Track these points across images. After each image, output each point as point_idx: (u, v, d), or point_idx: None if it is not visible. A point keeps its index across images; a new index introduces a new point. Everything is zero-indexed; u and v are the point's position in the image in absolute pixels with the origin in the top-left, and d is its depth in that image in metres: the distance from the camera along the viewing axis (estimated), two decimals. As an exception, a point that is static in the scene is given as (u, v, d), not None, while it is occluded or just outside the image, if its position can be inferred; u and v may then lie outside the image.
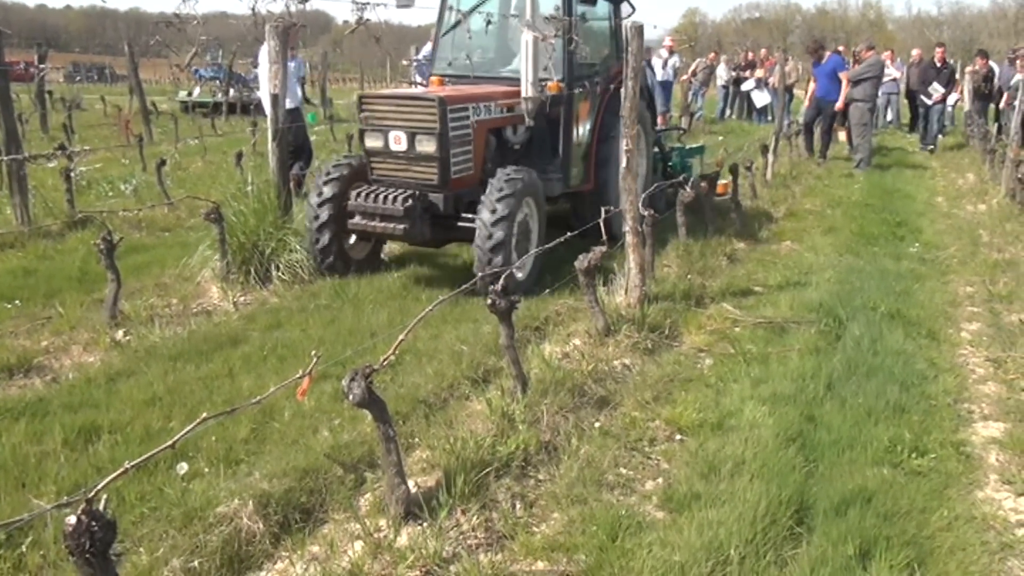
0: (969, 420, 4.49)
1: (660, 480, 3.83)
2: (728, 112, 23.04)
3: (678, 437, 4.23)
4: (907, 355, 5.20)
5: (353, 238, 7.11)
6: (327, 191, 6.73)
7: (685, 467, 3.87)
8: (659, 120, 11.36)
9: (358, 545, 3.23)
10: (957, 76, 18.02)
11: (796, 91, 20.20)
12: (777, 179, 12.00)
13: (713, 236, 8.10)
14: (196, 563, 3.01)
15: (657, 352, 5.31)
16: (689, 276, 6.76)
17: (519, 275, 6.35)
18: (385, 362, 3.30)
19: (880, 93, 15.97)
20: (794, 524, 3.38)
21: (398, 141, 6.47)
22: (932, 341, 5.58)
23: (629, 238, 5.81)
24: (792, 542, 3.28)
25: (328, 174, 6.84)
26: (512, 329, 4.31)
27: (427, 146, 6.38)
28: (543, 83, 7.09)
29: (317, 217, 6.73)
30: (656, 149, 9.45)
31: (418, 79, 12.48)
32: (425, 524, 3.31)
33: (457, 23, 7.08)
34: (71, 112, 18.66)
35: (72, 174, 9.05)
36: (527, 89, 6.86)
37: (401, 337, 3.37)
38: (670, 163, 9.85)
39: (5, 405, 4.38)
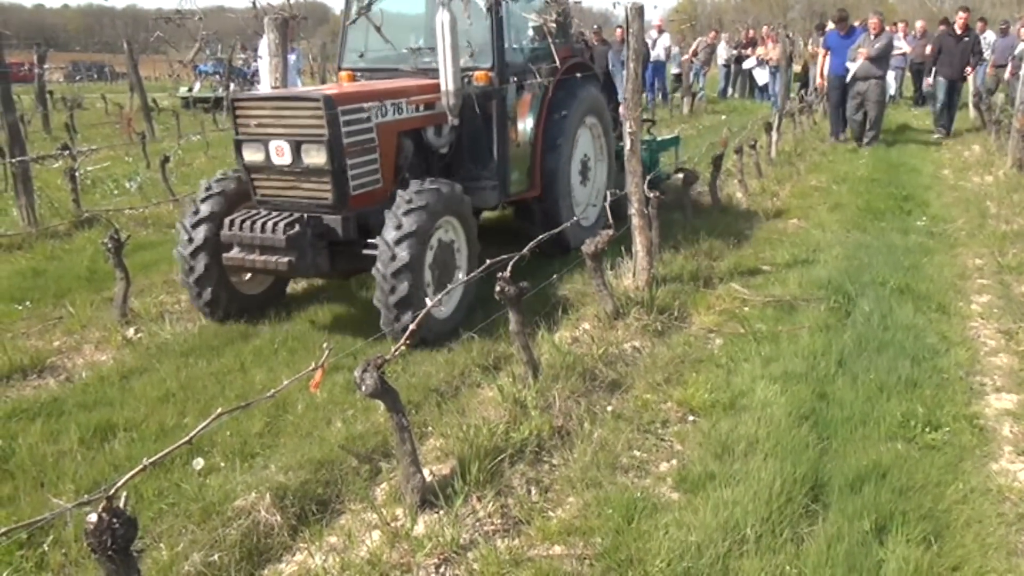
0: (982, 393, 4.48)
1: (674, 461, 3.83)
2: (730, 91, 22.92)
3: (690, 418, 4.24)
4: (918, 329, 5.18)
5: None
6: (205, 209, 5.48)
7: (698, 448, 3.87)
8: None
9: (375, 535, 3.25)
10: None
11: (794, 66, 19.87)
12: (781, 156, 11.95)
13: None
14: (216, 557, 3.04)
15: (667, 334, 5.30)
16: (696, 257, 6.74)
17: (440, 312, 5.22)
18: (397, 352, 3.31)
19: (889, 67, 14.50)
20: (809, 501, 3.39)
21: (280, 153, 5.21)
22: (942, 315, 5.56)
23: (635, 220, 5.80)
24: (808, 519, 3.29)
25: (208, 189, 5.61)
26: (522, 315, 4.32)
27: (315, 157, 5.14)
28: (468, 74, 6.16)
29: (191, 240, 5.42)
30: (619, 145, 8.33)
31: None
32: (441, 512, 3.33)
33: (369, 4, 5.89)
34: (72, 111, 18.69)
35: (76, 174, 9.07)
36: (447, 82, 5.67)
37: (412, 327, 3.38)
38: None
39: (20, 406, 4.41)
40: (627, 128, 5.68)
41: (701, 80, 21.49)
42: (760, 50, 20.77)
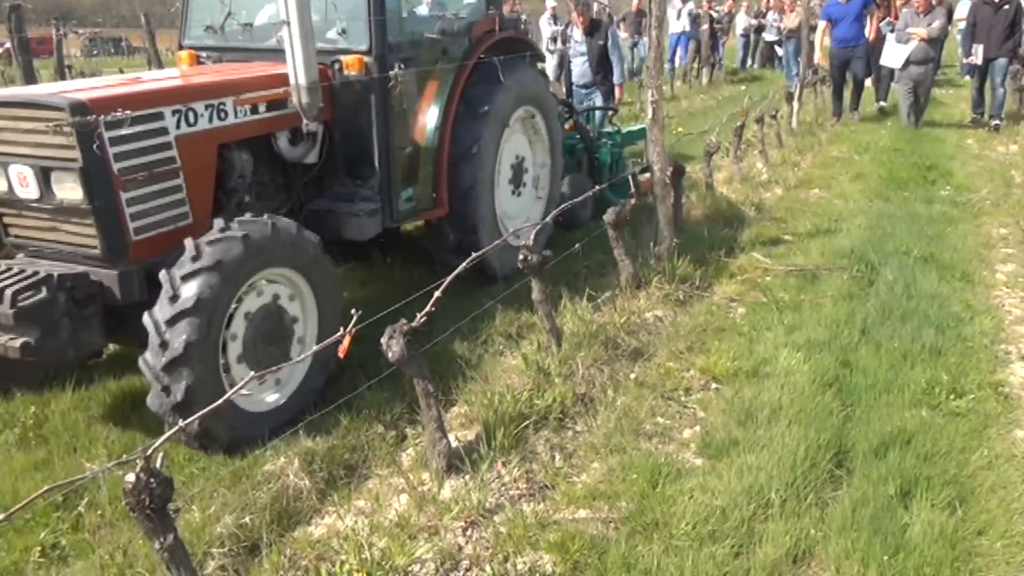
0: (1006, 361, 4.46)
1: (697, 428, 3.85)
2: (749, 62, 22.65)
3: (713, 386, 4.25)
4: (942, 298, 5.16)
5: None
6: None
7: (722, 415, 3.89)
8: (618, 93, 8.97)
9: (403, 498, 3.30)
10: None
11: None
12: (802, 127, 11.83)
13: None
14: (247, 519, 3.09)
15: (688, 303, 5.30)
16: (717, 226, 6.72)
17: (267, 400, 3.88)
18: (423, 318, 3.33)
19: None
20: (834, 467, 3.40)
21: (24, 182, 3.72)
22: (967, 284, 5.52)
23: (657, 190, 5.78)
24: (832, 484, 3.31)
25: None
26: (545, 284, 4.33)
27: (69, 191, 3.64)
28: (336, 59, 4.62)
29: None
30: (574, 141, 7.39)
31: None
32: (467, 476, 3.37)
33: None
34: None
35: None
36: (297, 72, 4.08)
37: (437, 294, 3.40)
38: (597, 155, 7.56)
39: (50, 374, 4.47)
40: (650, 96, 5.64)
41: (719, 51, 21.23)
42: (772, 15, 20.34)
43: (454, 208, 5.26)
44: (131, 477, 2.19)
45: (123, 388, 4.26)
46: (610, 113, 8.56)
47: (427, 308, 3.37)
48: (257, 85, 4.30)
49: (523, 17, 14.58)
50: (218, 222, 3.68)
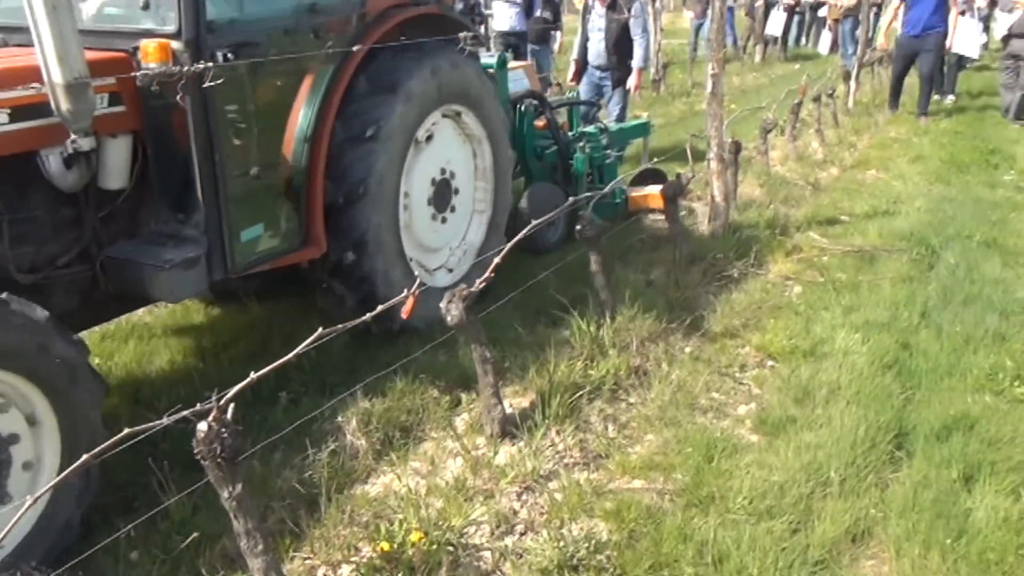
0: (1073, 349, 4.34)
1: (753, 405, 3.82)
2: (803, 40, 22.17)
3: (769, 363, 4.21)
4: (1006, 284, 5.03)
5: None
6: None
7: (778, 392, 3.85)
8: (635, 79, 7.98)
9: (458, 462, 3.32)
10: None
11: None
12: (859, 107, 11.57)
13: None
14: (307, 475, 3.14)
15: (743, 280, 5.24)
16: (772, 205, 6.62)
17: None
18: (482, 284, 3.33)
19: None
20: (894, 448, 3.35)
21: None
22: (1032, 271, 5.38)
23: (713, 165, 5.70)
24: (892, 466, 3.27)
25: None
26: (601, 255, 4.31)
27: None
28: (136, 45, 3.19)
29: None
30: (546, 142, 5.94)
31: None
32: (521, 443, 3.38)
33: None
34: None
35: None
36: (49, 62, 2.77)
37: (496, 260, 3.40)
38: (572, 160, 6.00)
39: (111, 329, 4.56)
40: (710, 69, 5.55)
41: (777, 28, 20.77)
42: None
43: (340, 260, 3.99)
44: (203, 426, 2.22)
45: (181, 344, 4.34)
46: (592, 110, 7.15)
47: (485, 275, 3.37)
48: (4, 81, 2.93)
49: None
50: None
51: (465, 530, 2.90)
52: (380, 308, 2.84)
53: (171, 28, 3.22)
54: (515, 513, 3.03)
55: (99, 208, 3.38)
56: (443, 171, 4.55)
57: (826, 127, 9.53)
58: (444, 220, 4.62)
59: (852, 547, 2.84)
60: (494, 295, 4.70)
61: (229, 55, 3.33)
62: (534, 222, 3.71)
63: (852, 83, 11.69)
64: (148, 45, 3.14)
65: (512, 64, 5.92)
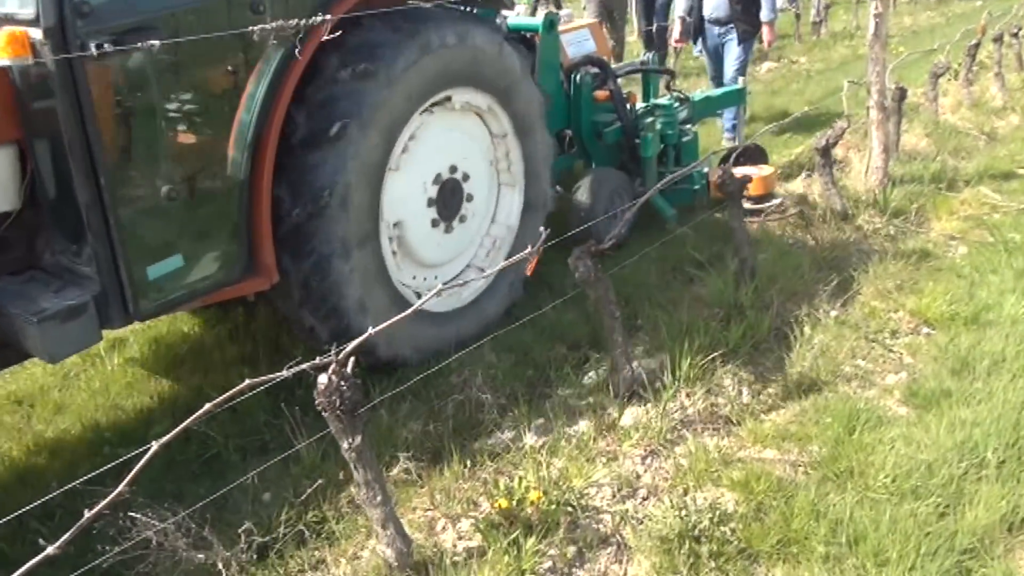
0: None
1: (903, 375, 3.55)
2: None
3: (924, 330, 3.89)
4: None
5: None
6: None
7: (933, 362, 3.56)
8: (767, 34, 6.91)
9: (582, 421, 3.27)
10: None
11: None
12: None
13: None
14: (431, 427, 3.18)
15: (901, 239, 4.86)
16: (939, 156, 6.09)
17: None
18: (611, 240, 3.23)
19: None
20: (1064, 430, 3.03)
21: None
22: None
23: (874, 114, 5.29)
24: (1061, 449, 2.95)
25: None
26: (741, 209, 4.10)
27: None
28: None
29: None
30: (609, 117, 5.02)
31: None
32: (649, 405, 3.28)
33: None
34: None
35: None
36: None
37: (628, 216, 3.28)
38: (638, 139, 5.01)
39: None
40: (872, 9, 5.12)
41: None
42: None
43: (305, 285, 3.27)
44: (323, 379, 2.27)
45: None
46: (665, 79, 5.66)
47: (616, 230, 3.26)
48: None
49: None
50: None
51: (585, 491, 2.85)
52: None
53: (29, 13, 2.53)
54: (638, 477, 2.95)
55: None
56: (454, 168, 3.76)
57: (1008, 70, 8.66)
58: (449, 229, 3.83)
59: (1007, 536, 2.59)
60: (628, 250, 4.60)
61: (106, 44, 2.55)
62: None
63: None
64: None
65: (572, 24, 5.16)
